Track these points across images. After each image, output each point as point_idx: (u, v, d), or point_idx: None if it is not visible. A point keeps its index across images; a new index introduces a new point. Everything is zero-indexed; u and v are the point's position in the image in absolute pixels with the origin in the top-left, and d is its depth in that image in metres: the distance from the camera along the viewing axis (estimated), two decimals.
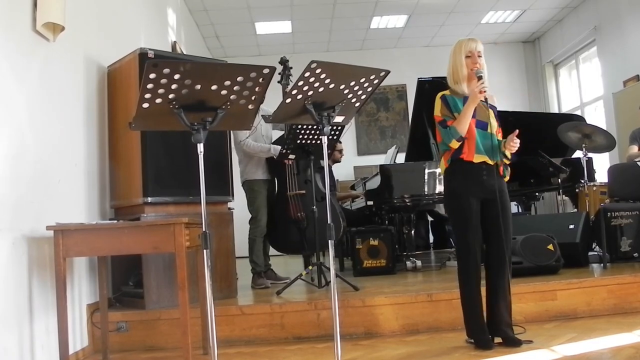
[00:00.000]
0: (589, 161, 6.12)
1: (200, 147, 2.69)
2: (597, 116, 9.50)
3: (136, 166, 4.06)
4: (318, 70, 2.72)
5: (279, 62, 5.13)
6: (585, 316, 4.03)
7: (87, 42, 4.16)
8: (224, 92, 2.65)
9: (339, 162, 6.93)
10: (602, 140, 5.74)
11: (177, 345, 3.58)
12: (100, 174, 4.27)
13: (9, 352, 2.87)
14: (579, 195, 6.21)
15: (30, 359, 3.07)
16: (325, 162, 3.05)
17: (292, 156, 4.87)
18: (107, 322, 3.72)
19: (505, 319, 3.31)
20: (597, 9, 9.10)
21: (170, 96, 2.58)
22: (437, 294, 4.00)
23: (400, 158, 6.99)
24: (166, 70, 2.48)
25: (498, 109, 3.49)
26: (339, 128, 4.81)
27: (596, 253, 5.30)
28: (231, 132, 4.88)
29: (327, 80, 2.79)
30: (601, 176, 6.71)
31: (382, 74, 2.97)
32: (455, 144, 3.27)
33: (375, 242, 5.50)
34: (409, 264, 5.73)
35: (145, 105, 2.59)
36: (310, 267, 4.96)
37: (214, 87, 2.61)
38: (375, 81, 2.99)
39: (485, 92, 3.22)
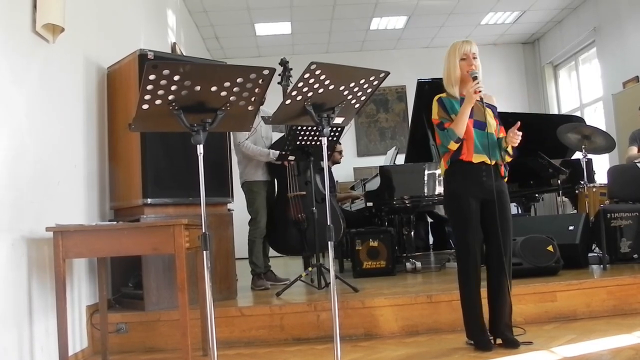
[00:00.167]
0: (589, 162, 6.12)
1: (200, 149, 2.69)
2: (596, 117, 9.50)
3: (136, 167, 4.06)
4: (318, 72, 2.72)
5: (279, 63, 5.14)
6: (584, 317, 4.03)
7: (87, 43, 4.16)
8: (223, 93, 2.65)
9: (339, 163, 6.93)
10: (602, 142, 5.74)
11: (177, 347, 3.58)
12: (99, 175, 4.27)
13: (8, 354, 2.86)
14: (578, 197, 6.22)
15: None
16: (325, 164, 3.05)
17: (291, 157, 4.87)
18: (107, 323, 3.71)
19: (505, 320, 3.30)
20: (597, 10, 9.11)
21: (170, 97, 2.58)
22: (437, 295, 4.00)
23: (400, 159, 6.98)
24: (166, 72, 2.48)
25: (498, 110, 3.49)
26: (339, 129, 4.81)
27: (596, 254, 5.30)
28: (231, 133, 4.88)
29: (327, 82, 2.79)
30: (601, 177, 6.72)
31: (382, 75, 2.97)
32: (453, 146, 3.27)
33: (375, 244, 5.50)
34: (408, 265, 5.73)
35: (145, 106, 2.59)
36: (310, 269, 4.96)
37: (213, 89, 2.61)
38: (375, 82, 2.99)
39: (480, 92, 3.22)
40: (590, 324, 3.86)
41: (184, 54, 7.35)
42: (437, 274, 5.50)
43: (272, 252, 5.42)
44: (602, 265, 4.84)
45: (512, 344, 3.25)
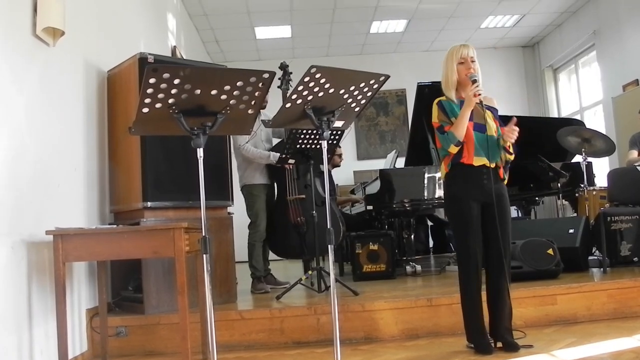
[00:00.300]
0: (589, 165, 6.13)
1: (200, 152, 2.69)
2: (596, 120, 9.51)
3: (136, 171, 4.06)
4: (318, 75, 2.72)
5: (279, 67, 5.15)
6: (585, 321, 4.03)
7: (87, 46, 4.17)
8: (223, 96, 2.65)
9: (339, 166, 6.94)
10: (602, 145, 5.75)
11: (177, 350, 3.57)
12: (99, 178, 4.27)
13: (8, 357, 2.86)
14: (578, 200, 6.22)
15: None
16: (325, 167, 3.05)
17: (291, 161, 4.87)
18: (107, 326, 3.71)
19: (505, 323, 3.30)
20: (596, 14, 9.12)
21: (170, 101, 2.58)
22: (437, 299, 4.00)
23: (400, 163, 6.98)
24: (166, 75, 2.48)
25: (499, 113, 3.49)
26: (339, 132, 4.81)
27: (596, 257, 5.29)
28: (231, 136, 4.88)
29: (327, 85, 2.79)
30: (601, 180, 6.72)
31: (382, 78, 2.97)
32: (454, 149, 3.27)
33: (375, 247, 5.50)
34: (408, 268, 5.73)
35: (145, 110, 2.59)
36: (309, 272, 4.96)
37: (213, 92, 2.62)
38: (375, 86, 2.99)
39: (479, 95, 3.22)
40: (590, 327, 3.86)
41: (184, 58, 7.36)
42: (437, 277, 5.49)
43: (272, 255, 5.42)
44: (602, 269, 4.84)
45: (512, 348, 3.25)
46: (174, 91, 2.54)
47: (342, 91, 2.88)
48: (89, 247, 3.13)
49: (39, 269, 3.21)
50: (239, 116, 2.79)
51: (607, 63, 8.96)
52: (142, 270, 3.99)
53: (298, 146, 4.72)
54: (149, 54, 4.08)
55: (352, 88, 2.91)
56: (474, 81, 3.25)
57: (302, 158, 4.83)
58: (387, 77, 2.99)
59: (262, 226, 5.15)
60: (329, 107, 2.92)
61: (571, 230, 5.05)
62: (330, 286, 2.94)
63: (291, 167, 5.12)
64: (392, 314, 3.95)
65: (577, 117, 9.88)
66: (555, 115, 10.81)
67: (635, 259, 5.01)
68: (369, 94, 3.02)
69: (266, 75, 2.66)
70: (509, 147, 3.33)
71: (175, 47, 7.25)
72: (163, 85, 2.51)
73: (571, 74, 10.68)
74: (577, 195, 6.29)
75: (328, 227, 2.87)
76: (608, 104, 8.83)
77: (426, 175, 5.67)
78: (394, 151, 7.55)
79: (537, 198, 7.01)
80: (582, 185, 5.82)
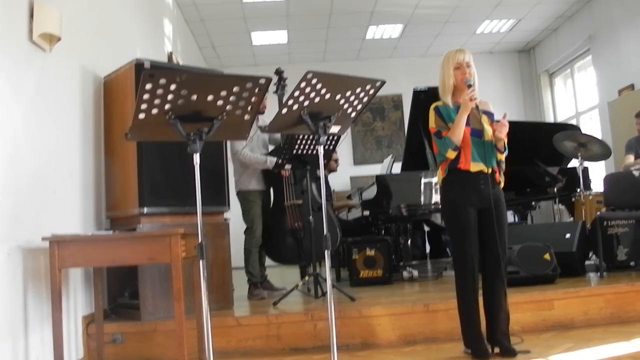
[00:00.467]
0: (585, 170, 6.14)
1: (197, 158, 2.69)
2: (592, 125, 9.53)
3: (132, 177, 4.05)
4: (314, 81, 2.73)
5: (275, 73, 5.15)
6: (582, 326, 4.03)
7: (84, 52, 4.16)
8: (220, 102, 2.65)
9: (335, 171, 6.93)
10: (598, 149, 5.76)
11: (173, 357, 3.55)
12: (96, 184, 4.26)
13: None
14: (575, 204, 6.22)
15: None
16: (321, 172, 3.05)
17: (288, 166, 4.86)
18: (103, 333, 3.70)
19: (502, 328, 3.30)
20: (592, 19, 9.16)
21: (167, 107, 2.58)
22: (434, 304, 3.99)
23: (397, 168, 6.98)
24: (162, 81, 2.48)
25: (495, 118, 3.49)
26: (335, 138, 4.81)
27: (593, 262, 5.29)
28: (228, 142, 4.87)
29: (323, 91, 2.79)
30: (597, 185, 6.72)
31: (378, 84, 2.98)
32: (451, 154, 3.28)
33: (372, 252, 5.49)
34: (405, 274, 5.72)
35: (142, 115, 2.59)
36: (306, 278, 4.95)
37: (210, 98, 2.61)
38: (371, 91, 2.99)
39: (475, 99, 3.23)
40: (587, 332, 3.86)
41: (181, 63, 7.36)
42: (434, 283, 5.49)
43: (268, 261, 5.41)
44: (599, 273, 4.84)
45: (509, 353, 3.24)
46: (170, 97, 2.54)
47: (338, 96, 2.88)
48: (85, 253, 3.12)
49: (35, 275, 3.20)
50: (235, 122, 2.79)
51: (603, 68, 8.99)
52: (139, 277, 3.97)
53: (294, 152, 4.72)
54: (146, 59, 4.08)
55: (348, 93, 2.91)
56: (470, 86, 3.25)
57: (299, 163, 4.84)
58: (383, 82, 3.00)
59: (258, 232, 5.14)
60: (325, 113, 2.92)
61: (568, 235, 5.06)
62: (327, 292, 2.93)
63: (287, 173, 5.11)
64: (389, 320, 3.94)
65: (573, 121, 9.91)
66: (551, 120, 10.83)
67: (632, 263, 5.01)
68: (365, 99, 3.02)
69: (262, 81, 2.66)
70: (502, 145, 3.32)
71: (171, 52, 7.25)
72: (159, 91, 2.51)
73: (567, 78, 10.71)
74: (573, 199, 6.30)
75: (325, 232, 2.86)
76: (604, 109, 8.85)
77: (423, 181, 5.67)
78: (391, 156, 7.56)
79: (533, 203, 7.01)
80: (578, 190, 5.83)
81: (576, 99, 10.27)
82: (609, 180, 5.76)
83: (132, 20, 5.62)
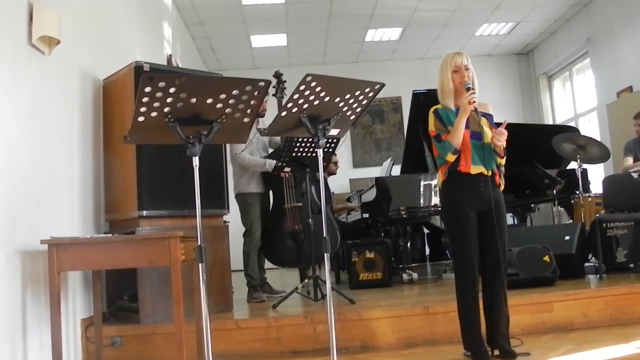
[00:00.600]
0: (584, 172, 6.14)
1: (196, 161, 2.68)
2: (591, 127, 9.55)
3: (131, 179, 4.05)
4: (313, 84, 2.73)
5: (273, 76, 5.15)
6: (581, 328, 4.02)
7: (83, 55, 4.17)
8: (219, 105, 2.65)
9: (335, 174, 6.93)
10: (597, 151, 5.77)
11: None
12: (95, 187, 4.26)
13: None
14: (574, 206, 6.22)
15: None
16: (320, 175, 3.05)
17: (287, 169, 4.86)
18: (102, 336, 3.69)
19: (502, 330, 3.30)
20: (590, 22, 9.17)
21: (166, 110, 2.58)
22: (434, 307, 3.99)
23: (396, 170, 6.98)
24: (162, 84, 2.48)
25: (495, 120, 3.49)
26: (335, 141, 4.82)
27: (592, 264, 5.29)
28: (227, 145, 4.87)
29: (323, 94, 2.80)
30: (596, 187, 6.73)
31: (377, 86, 2.98)
32: (451, 157, 3.27)
33: (371, 255, 5.49)
34: (405, 276, 5.72)
35: (141, 118, 2.59)
36: (306, 281, 4.94)
37: (209, 101, 2.61)
38: (370, 94, 2.99)
39: (474, 102, 3.23)
40: (587, 334, 3.86)
41: (180, 66, 7.36)
42: (434, 285, 5.49)
43: (267, 263, 5.40)
44: (598, 275, 4.84)
45: (509, 355, 3.24)
46: (169, 100, 2.54)
47: (337, 99, 2.89)
48: (84, 256, 3.11)
49: (34, 278, 3.19)
50: (234, 125, 2.79)
51: (601, 70, 9.00)
52: (138, 280, 3.97)
53: (294, 154, 4.72)
54: (145, 62, 4.08)
55: (347, 96, 2.91)
56: (468, 89, 3.25)
57: (298, 166, 4.83)
58: (382, 85, 3.00)
59: (257, 235, 5.13)
60: (324, 116, 2.92)
61: (567, 237, 5.05)
62: (326, 295, 2.92)
63: (287, 175, 5.11)
64: (389, 323, 3.94)
65: (572, 123, 9.90)
66: (550, 122, 10.84)
67: (631, 265, 5.01)
68: (365, 102, 3.02)
69: (262, 84, 2.66)
70: (500, 150, 3.32)
71: (171, 55, 7.25)
72: (159, 94, 2.51)
73: (565, 81, 10.73)
74: (572, 201, 6.30)
75: (324, 235, 2.86)
76: (602, 111, 8.87)
77: (422, 183, 5.67)
78: (390, 159, 7.55)
79: (532, 205, 7.01)
80: (577, 192, 5.83)
81: (575, 101, 10.29)
82: (607, 182, 5.76)
83: (131, 23, 5.63)
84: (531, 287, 4.39)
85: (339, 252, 6.14)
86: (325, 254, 2.88)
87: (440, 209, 5.51)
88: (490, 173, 3.30)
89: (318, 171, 3.17)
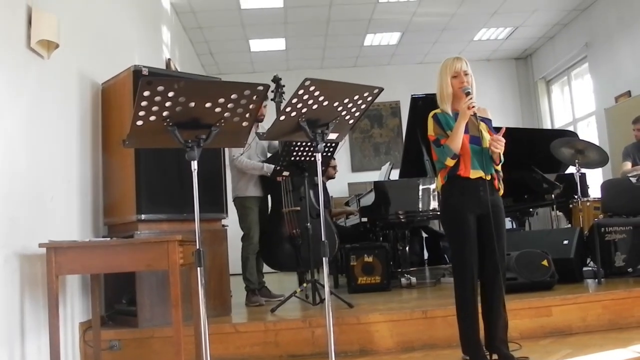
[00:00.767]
0: (582, 177, 6.14)
1: (194, 165, 2.69)
2: (589, 132, 9.55)
3: (130, 183, 4.05)
4: (312, 88, 2.73)
5: (272, 80, 5.16)
6: (580, 332, 4.02)
7: (81, 59, 4.17)
8: (218, 109, 2.65)
9: (333, 178, 6.93)
10: (595, 156, 5.77)
11: None
12: (93, 191, 4.26)
13: None
14: (572, 211, 6.23)
15: None
16: (319, 179, 3.06)
17: (286, 173, 4.87)
18: (100, 340, 3.68)
19: (500, 335, 3.29)
20: (588, 26, 9.19)
21: (164, 114, 2.58)
22: (432, 311, 3.99)
23: (395, 174, 6.99)
24: (160, 88, 2.48)
25: (493, 125, 3.49)
26: (333, 145, 4.82)
27: (591, 268, 5.29)
28: (225, 148, 4.87)
29: (321, 98, 2.80)
30: (594, 191, 6.74)
31: (376, 91, 2.98)
32: (450, 162, 3.27)
33: (370, 259, 5.49)
34: (403, 280, 5.72)
35: (139, 122, 2.59)
36: (304, 284, 4.94)
37: (208, 105, 2.62)
38: (369, 98, 3.00)
39: (473, 107, 3.23)
40: (585, 338, 3.86)
41: (179, 70, 7.37)
42: (432, 289, 5.49)
43: (266, 267, 5.40)
44: (597, 280, 4.84)
45: (508, 359, 3.23)
46: (168, 104, 2.54)
47: (336, 104, 2.89)
48: (83, 260, 3.11)
49: (32, 282, 3.19)
50: (233, 129, 2.79)
51: (600, 75, 9.02)
52: (136, 283, 3.97)
53: (292, 158, 4.72)
54: (143, 66, 4.09)
55: (346, 101, 2.92)
56: (468, 94, 3.26)
57: (297, 170, 4.84)
58: (381, 89, 3.00)
59: (256, 239, 5.13)
60: (323, 120, 2.93)
61: (565, 242, 5.06)
62: (325, 299, 2.93)
63: (285, 179, 5.11)
64: (387, 327, 3.93)
65: (570, 128, 9.93)
66: (549, 127, 10.86)
67: (630, 269, 5.01)
68: (363, 106, 3.03)
69: (260, 88, 2.66)
70: (497, 157, 3.32)
71: (169, 59, 7.26)
72: (157, 98, 2.51)
73: (564, 85, 10.75)
74: (571, 206, 6.30)
75: (323, 239, 2.86)
76: (601, 115, 8.88)
77: (421, 187, 5.67)
78: (388, 163, 7.56)
79: (531, 209, 7.02)
80: (575, 197, 5.84)
81: (573, 106, 10.30)
82: (606, 186, 5.76)
83: (130, 27, 5.63)
84: (530, 291, 4.39)
85: (338, 256, 6.14)
86: (323, 258, 2.88)
87: (438, 213, 5.57)
88: (489, 177, 3.30)
89: (317, 175, 3.17)
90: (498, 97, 11.00)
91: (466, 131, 3.27)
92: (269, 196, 5.37)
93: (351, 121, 3.09)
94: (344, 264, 5.87)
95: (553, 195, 6.24)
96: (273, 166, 4.93)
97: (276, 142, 5.29)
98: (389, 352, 3.86)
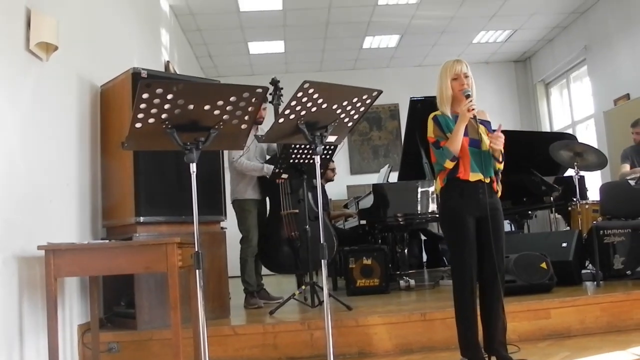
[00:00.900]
0: (581, 179, 6.15)
1: (193, 167, 2.69)
2: (588, 134, 9.57)
3: (128, 186, 4.05)
4: (311, 91, 2.73)
5: (270, 83, 5.16)
6: (578, 334, 4.02)
7: (80, 61, 4.17)
8: (216, 112, 2.65)
9: (332, 180, 6.93)
10: (594, 159, 5.78)
11: None
12: (92, 193, 4.25)
13: None
14: (571, 214, 6.23)
15: None
16: (318, 181, 3.06)
17: (285, 175, 4.87)
18: (98, 342, 3.68)
19: (499, 337, 3.29)
20: (587, 29, 9.21)
21: (163, 116, 2.58)
22: (431, 313, 3.99)
23: (393, 177, 6.99)
24: (159, 90, 2.49)
25: (491, 127, 3.50)
26: (332, 147, 4.82)
27: (589, 271, 5.30)
28: (224, 151, 4.88)
29: (320, 100, 2.80)
30: (593, 194, 6.74)
31: (375, 93, 2.99)
32: (449, 164, 3.27)
33: (369, 262, 5.49)
34: (402, 283, 5.72)
35: (138, 125, 2.59)
36: (303, 287, 4.94)
37: (206, 107, 2.62)
38: (368, 101, 3.00)
39: (473, 110, 3.23)
40: (584, 340, 3.86)
41: (178, 73, 7.38)
42: (431, 292, 5.49)
43: (265, 270, 5.40)
44: (595, 282, 4.85)
45: None
46: (167, 106, 2.55)
47: (335, 106, 2.89)
48: (81, 262, 3.11)
49: (31, 284, 3.19)
50: (232, 131, 2.79)
51: (598, 77, 9.03)
52: (135, 286, 3.96)
53: (291, 161, 4.72)
54: (142, 68, 4.09)
55: (344, 103, 2.92)
56: (468, 96, 3.26)
57: (295, 173, 4.84)
58: (380, 92, 3.01)
59: (254, 241, 5.13)
60: (322, 122, 2.93)
61: (564, 244, 5.06)
62: (323, 301, 2.92)
63: (283, 181, 5.11)
64: (386, 329, 3.93)
65: (569, 131, 9.94)
66: (548, 130, 10.87)
67: (628, 272, 5.01)
68: (362, 109, 3.03)
69: (259, 90, 2.67)
70: (498, 155, 3.32)
71: (168, 62, 7.27)
72: (156, 101, 2.51)
73: (563, 88, 10.76)
74: (569, 208, 6.31)
75: (321, 241, 2.86)
76: (599, 118, 8.89)
77: (419, 190, 5.68)
78: (387, 165, 7.56)
79: (530, 212, 7.02)
80: (574, 199, 5.84)
81: (572, 108, 10.32)
82: (605, 189, 5.77)
83: (129, 29, 5.64)
84: (528, 293, 4.39)
85: (336, 259, 6.14)
86: (322, 261, 2.88)
87: (437, 215, 5.57)
88: (488, 180, 3.31)
89: (315, 178, 3.17)
90: (497, 99, 11.01)
91: (465, 134, 3.28)
92: (268, 199, 5.37)
93: (350, 124, 3.09)
94: (342, 267, 5.88)
95: (552, 198, 6.24)
96: (273, 167, 4.93)
97: (275, 145, 5.29)
98: (387, 354, 3.86)
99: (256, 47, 9.81)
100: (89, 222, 4.18)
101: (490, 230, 3.22)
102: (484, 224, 3.26)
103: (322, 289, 3.38)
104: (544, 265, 4.59)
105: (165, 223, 4.16)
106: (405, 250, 6.12)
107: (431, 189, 5.59)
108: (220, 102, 2.62)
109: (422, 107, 5.63)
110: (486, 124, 3.42)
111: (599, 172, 7.16)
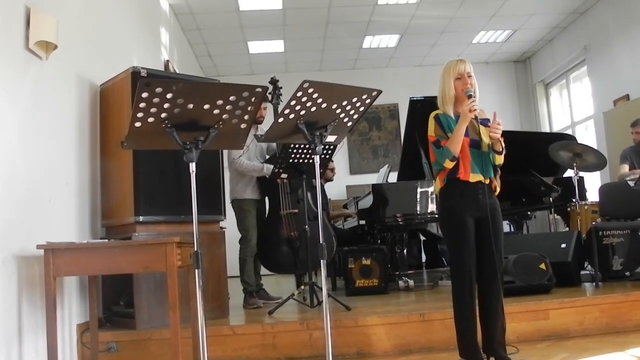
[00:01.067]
0: (580, 180, 6.15)
1: (193, 167, 2.68)
2: (587, 135, 9.57)
3: (128, 185, 4.05)
4: (310, 90, 2.73)
5: (269, 82, 5.15)
6: (577, 335, 4.02)
7: (80, 60, 4.17)
8: (216, 111, 2.65)
9: (331, 180, 6.93)
10: (593, 159, 5.78)
11: None
12: (91, 192, 4.25)
13: None
14: (570, 214, 6.24)
15: None
16: (317, 181, 3.05)
17: (284, 175, 4.86)
18: (97, 342, 3.68)
19: (498, 338, 3.29)
20: (587, 29, 9.21)
21: (163, 115, 2.58)
22: (430, 314, 3.99)
23: (393, 177, 6.99)
24: (159, 90, 2.48)
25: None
26: (331, 147, 4.82)
27: (588, 272, 5.30)
28: (224, 150, 4.87)
29: (320, 100, 2.80)
30: (592, 195, 6.75)
31: (374, 93, 2.98)
32: (449, 164, 3.27)
33: (368, 262, 5.49)
34: (401, 283, 5.72)
35: (138, 124, 2.59)
36: (302, 287, 4.94)
37: (206, 107, 2.62)
38: (368, 101, 3.00)
39: (475, 110, 3.23)
40: (583, 342, 3.86)
41: (177, 72, 7.37)
42: (430, 292, 5.49)
43: (264, 270, 5.40)
44: (594, 283, 4.85)
45: None
46: (166, 105, 2.54)
47: (334, 106, 2.89)
48: (80, 261, 3.11)
49: (30, 283, 3.18)
50: (231, 131, 2.79)
51: (598, 78, 9.03)
52: (134, 285, 3.96)
53: (291, 160, 4.72)
54: (142, 67, 4.09)
55: (344, 103, 2.92)
56: (470, 96, 3.25)
57: (295, 172, 4.84)
58: (380, 92, 3.00)
59: (253, 241, 5.13)
60: (321, 122, 2.93)
61: (563, 245, 5.06)
62: (322, 301, 2.92)
63: (284, 181, 5.11)
64: (385, 329, 3.93)
65: (569, 131, 9.94)
66: (547, 130, 10.87)
67: (627, 273, 5.02)
68: (362, 108, 3.03)
69: (259, 90, 2.67)
70: (498, 146, 3.30)
71: (168, 61, 7.26)
72: (156, 100, 2.51)
73: (562, 88, 10.76)
74: (569, 209, 6.31)
75: (321, 242, 2.86)
76: (599, 119, 8.89)
77: (419, 190, 5.68)
78: (387, 166, 7.56)
79: (529, 212, 7.03)
80: (573, 200, 5.84)
81: (572, 109, 10.32)
82: (604, 190, 5.77)
83: (128, 28, 5.63)
84: (527, 294, 4.39)
85: (335, 259, 6.14)
86: (321, 261, 2.88)
87: (436, 215, 5.57)
88: (488, 181, 3.30)
89: (315, 177, 3.16)
90: (496, 100, 10.99)
91: (466, 134, 3.27)
92: (267, 198, 5.36)
93: (349, 123, 3.09)
94: (341, 267, 5.87)
95: (551, 199, 6.25)
96: (272, 166, 4.93)
97: (274, 144, 5.29)
98: (386, 355, 3.86)
99: (256, 47, 9.81)
100: (88, 222, 4.17)
101: (490, 230, 3.22)
102: (484, 225, 3.26)
103: (321, 289, 3.38)
104: (543, 266, 4.59)
105: (165, 223, 4.15)
106: (405, 251, 6.13)
107: (430, 189, 5.59)
108: (219, 102, 2.62)
109: (422, 107, 5.63)
110: (486, 122, 3.42)
111: (598, 173, 7.17)
